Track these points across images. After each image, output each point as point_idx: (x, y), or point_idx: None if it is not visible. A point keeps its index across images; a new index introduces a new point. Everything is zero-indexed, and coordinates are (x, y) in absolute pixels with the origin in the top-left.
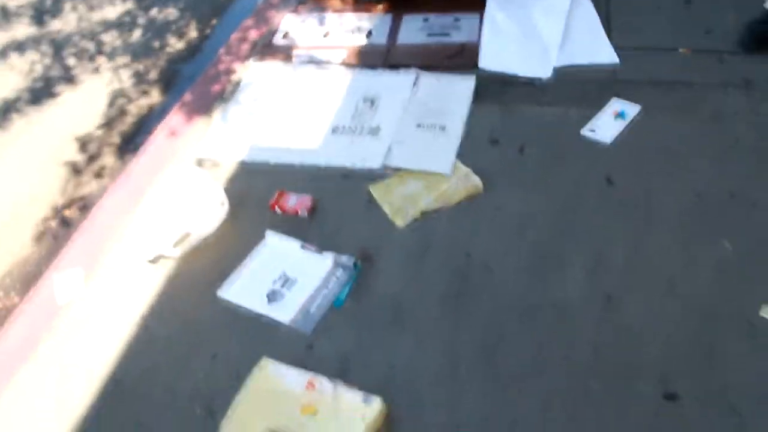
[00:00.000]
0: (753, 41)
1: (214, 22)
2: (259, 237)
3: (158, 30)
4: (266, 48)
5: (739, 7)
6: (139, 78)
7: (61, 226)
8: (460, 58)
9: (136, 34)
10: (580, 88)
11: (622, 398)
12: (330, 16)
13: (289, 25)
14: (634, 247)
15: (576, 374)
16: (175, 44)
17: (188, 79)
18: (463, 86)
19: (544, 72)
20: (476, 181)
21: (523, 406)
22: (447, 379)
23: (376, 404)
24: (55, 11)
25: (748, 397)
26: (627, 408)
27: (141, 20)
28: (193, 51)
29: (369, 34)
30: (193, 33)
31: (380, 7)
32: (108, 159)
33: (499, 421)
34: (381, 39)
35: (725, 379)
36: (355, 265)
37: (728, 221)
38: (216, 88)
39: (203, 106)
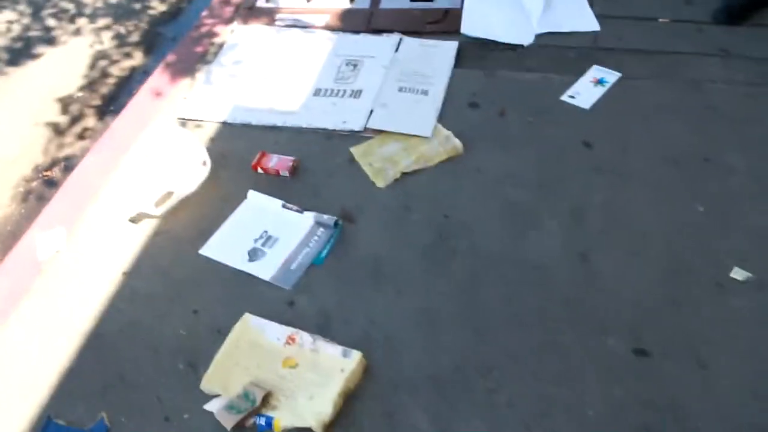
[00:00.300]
0: (730, 12)
1: None
2: (241, 197)
3: None
4: (249, 11)
5: None
6: (121, 40)
7: (44, 186)
8: (442, 24)
9: None
10: (560, 54)
11: (592, 352)
12: None
13: None
14: (610, 207)
15: (549, 327)
16: (158, 6)
17: (171, 42)
18: (445, 51)
19: (525, 38)
20: (456, 143)
21: (498, 356)
22: (424, 331)
23: (355, 357)
24: None
25: (715, 352)
26: (597, 362)
27: None
28: (175, 14)
29: None
30: None
31: None
32: (90, 120)
33: (474, 370)
34: (364, 3)
35: (694, 335)
36: (335, 224)
37: (702, 185)
38: (199, 49)
39: (186, 67)
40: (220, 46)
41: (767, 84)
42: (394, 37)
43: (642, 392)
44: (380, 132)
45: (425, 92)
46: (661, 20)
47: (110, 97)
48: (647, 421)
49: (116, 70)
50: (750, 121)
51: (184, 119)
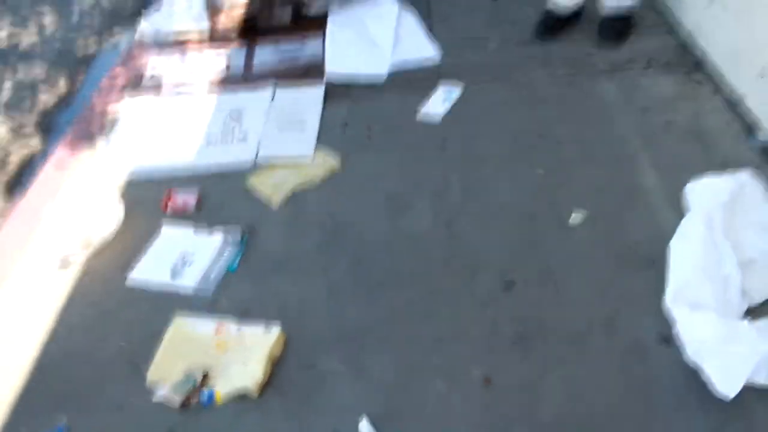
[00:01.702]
0: (545, 30)
1: (81, 76)
2: (157, 233)
3: (28, 87)
4: (136, 87)
5: (533, 3)
6: (16, 132)
7: None
8: (309, 74)
9: (6, 94)
10: (412, 81)
11: (469, 292)
12: (191, 54)
13: (155, 65)
14: (468, 184)
15: (430, 282)
16: (47, 98)
17: (65, 125)
18: (315, 92)
19: (381, 71)
20: (334, 161)
21: (391, 311)
22: (328, 302)
23: (275, 330)
24: None
25: (565, 275)
26: (475, 299)
27: (8, 80)
28: (65, 102)
29: (228, 63)
30: (62, 86)
31: (235, 41)
32: None
33: (373, 322)
34: (239, 66)
35: (548, 265)
36: (242, 237)
37: (539, 154)
38: (95, 124)
39: (86, 140)
40: (115, 118)
41: (578, 74)
42: (269, 89)
43: (512, 311)
44: (268, 162)
45: (302, 127)
46: (491, 42)
47: (13, 183)
48: (518, 331)
49: (15, 158)
50: (569, 102)
51: (92, 179)
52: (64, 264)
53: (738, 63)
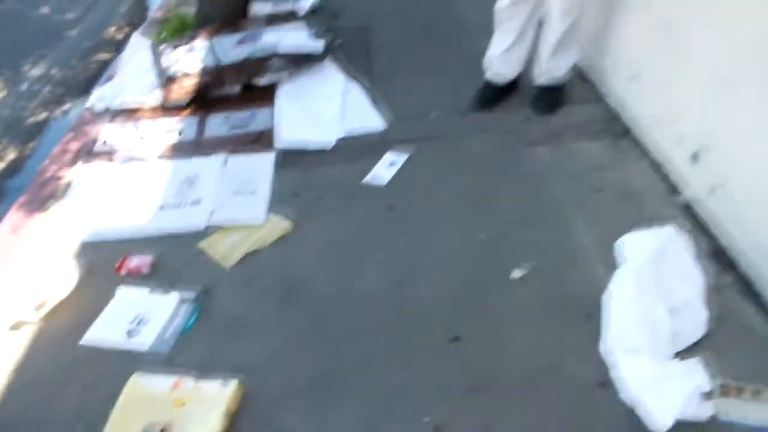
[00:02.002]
0: (482, 103)
1: (32, 144)
2: (112, 295)
3: None
4: (89, 154)
5: (473, 73)
6: None
7: None
8: (259, 142)
9: None
10: (359, 149)
11: (421, 344)
12: (143, 123)
13: (108, 133)
14: (415, 245)
15: (385, 336)
16: None
17: (16, 191)
18: (266, 160)
19: (329, 141)
20: (286, 224)
21: (347, 363)
22: (286, 356)
23: (232, 384)
24: None
25: (509, 328)
26: (427, 351)
27: None
28: (15, 169)
29: (180, 133)
30: (12, 155)
31: (187, 111)
32: None
33: (331, 379)
34: (191, 135)
35: (494, 318)
36: (197, 297)
37: (481, 216)
38: (48, 189)
39: (39, 204)
40: (68, 184)
41: (515, 141)
42: (221, 156)
43: (462, 362)
44: (221, 227)
45: (254, 192)
46: (434, 111)
47: None
48: (468, 380)
49: None
50: (507, 168)
51: (46, 242)
52: (17, 326)
53: (660, 130)
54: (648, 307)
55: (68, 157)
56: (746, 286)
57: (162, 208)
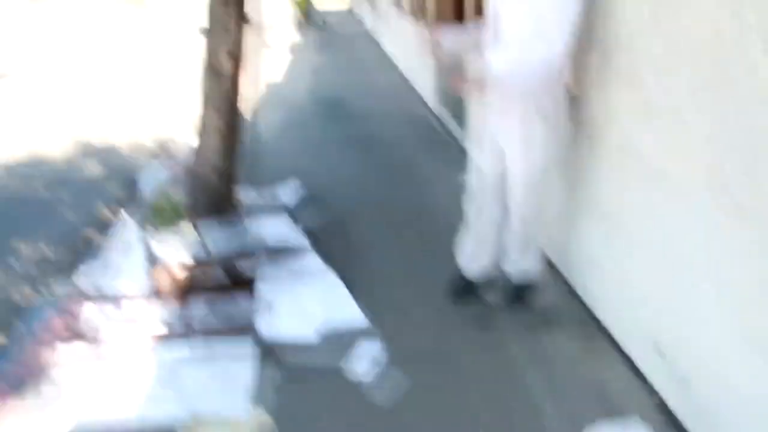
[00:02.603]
0: (456, 291)
1: (15, 325)
2: None
3: None
4: (73, 338)
5: (448, 261)
6: None
7: None
8: (243, 331)
9: None
10: (340, 343)
11: None
12: (129, 308)
13: (92, 315)
14: None
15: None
16: None
17: None
18: (248, 350)
19: (311, 336)
20: (268, 418)
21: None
22: None
23: None
24: None
25: None
26: None
27: None
28: None
29: (164, 319)
30: None
31: (172, 297)
32: None
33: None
34: (175, 322)
35: None
36: None
37: (454, 407)
38: (28, 373)
39: (18, 388)
40: (50, 368)
41: (490, 334)
42: (205, 345)
43: None
44: (204, 419)
45: (236, 383)
46: (413, 305)
47: None
48: None
49: None
50: (482, 361)
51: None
52: None
53: (632, 329)
54: None
55: (51, 340)
56: None
57: (144, 396)
